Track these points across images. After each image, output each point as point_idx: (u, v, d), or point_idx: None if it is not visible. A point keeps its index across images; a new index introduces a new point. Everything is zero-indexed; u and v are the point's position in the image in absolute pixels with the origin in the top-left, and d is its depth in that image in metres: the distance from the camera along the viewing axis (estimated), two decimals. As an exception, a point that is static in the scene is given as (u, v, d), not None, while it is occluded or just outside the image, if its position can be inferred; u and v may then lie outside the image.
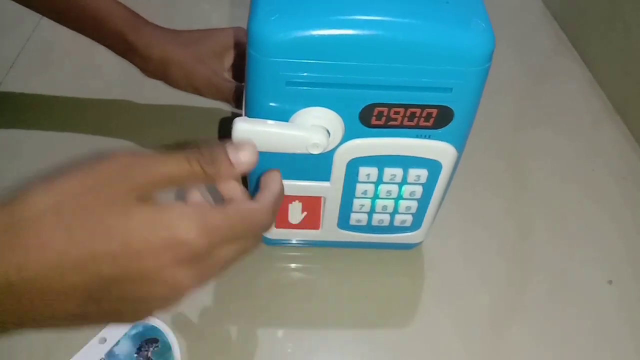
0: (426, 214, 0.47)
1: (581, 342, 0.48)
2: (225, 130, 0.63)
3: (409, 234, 0.49)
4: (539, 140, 0.65)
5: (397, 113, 0.38)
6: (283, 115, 0.38)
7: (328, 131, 0.37)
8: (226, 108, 0.64)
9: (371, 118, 0.38)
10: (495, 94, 0.66)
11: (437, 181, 0.44)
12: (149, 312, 0.33)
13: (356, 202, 0.45)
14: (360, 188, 0.44)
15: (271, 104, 0.37)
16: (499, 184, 0.60)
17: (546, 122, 0.68)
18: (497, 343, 0.48)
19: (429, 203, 0.46)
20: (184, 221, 0.30)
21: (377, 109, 0.37)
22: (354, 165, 0.42)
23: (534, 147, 0.65)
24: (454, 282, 0.52)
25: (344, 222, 0.48)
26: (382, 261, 0.52)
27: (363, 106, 0.37)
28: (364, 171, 0.42)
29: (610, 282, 0.52)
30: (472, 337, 0.48)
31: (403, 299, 0.51)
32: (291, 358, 0.46)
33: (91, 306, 0.30)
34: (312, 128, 0.37)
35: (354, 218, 0.47)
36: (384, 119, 0.38)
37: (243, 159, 0.33)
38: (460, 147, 0.41)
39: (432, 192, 0.45)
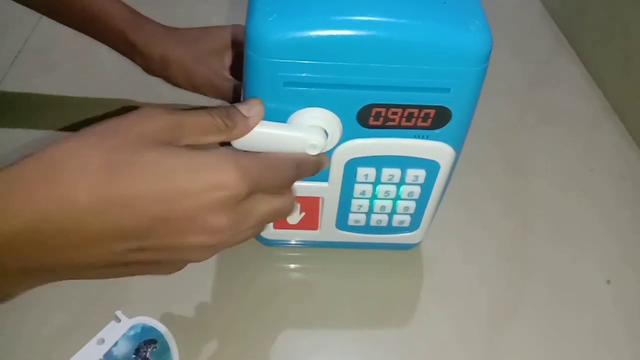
0: (424, 214, 0.47)
1: (580, 341, 0.48)
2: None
3: (408, 234, 0.49)
4: (537, 141, 0.65)
5: (394, 113, 0.38)
6: (281, 116, 0.38)
7: (326, 132, 0.37)
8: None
9: (369, 118, 0.38)
10: (493, 94, 0.66)
11: (435, 181, 0.44)
12: (184, 262, 0.34)
13: (354, 203, 0.45)
14: (358, 188, 0.44)
15: (269, 104, 0.37)
16: (498, 184, 0.60)
17: (545, 123, 0.68)
18: (496, 342, 0.48)
19: (427, 203, 0.46)
20: (224, 163, 0.31)
21: (374, 110, 0.38)
22: (352, 166, 0.42)
23: (533, 147, 0.65)
24: (453, 282, 0.52)
25: (342, 222, 0.48)
26: (381, 261, 0.52)
27: (361, 107, 0.37)
28: (362, 171, 0.42)
29: (608, 281, 0.52)
30: (471, 337, 0.48)
31: (402, 299, 0.51)
32: (290, 358, 0.46)
33: (133, 254, 0.31)
34: (310, 129, 0.37)
35: (352, 218, 0.47)
36: (381, 119, 0.38)
37: (253, 112, 0.35)
38: (458, 148, 0.42)
39: (430, 193, 0.45)
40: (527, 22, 0.83)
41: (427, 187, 0.44)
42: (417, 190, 0.44)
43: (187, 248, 0.32)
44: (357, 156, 0.41)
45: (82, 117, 0.63)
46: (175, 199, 0.30)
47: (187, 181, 0.30)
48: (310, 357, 0.47)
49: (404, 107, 0.38)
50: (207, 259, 0.34)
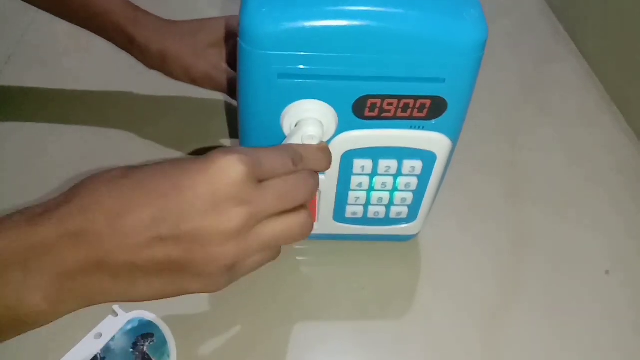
0: (422, 206, 0.47)
1: (579, 332, 0.48)
2: (222, 120, 0.63)
3: (405, 225, 0.49)
4: (536, 131, 0.65)
5: (390, 104, 0.38)
6: (275, 108, 0.37)
7: (321, 123, 0.37)
8: (228, 99, 0.65)
9: (364, 110, 0.38)
10: (491, 85, 0.66)
11: (432, 172, 0.44)
12: (212, 266, 0.33)
13: (351, 195, 0.45)
14: (355, 180, 0.44)
15: (263, 97, 0.37)
16: (496, 175, 0.60)
17: (543, 114, 0.67)
18: (494, 332, 0.48)
19: (424, 194, 0.46)
20: (223, 153, 0.32)
21: (370, 101, 0.37)
22: (348, 158, 0.42)
23: (531, 138, 0.64)
24: (451, 273, 0.52)
25: (339, 215, 0.47)
26: (379, 253, 0.52)
27: (356, 98, 0.37)
28: (358, 163, 0.42)
29: (607, 272, 0.52)
30: (469, 328, 0.48)
31: (400, 291, 0.50)
32: (288, 350, 0.46)
33: (156, 245, 0.31)
34: (305, 121, 0.37)
35: (350, 211, 0.47)
36: (377, 110, 0.38)
37: None
38: (454, 138, 0.41)
39: (427, 184, 0.45)
40: (525, 12, 0.83)
41: (424, 178, 0.44)
42: (414, 181, 0.44)
43: (206, 239, 0.31)
44: (353, 148, 0.41)
45: (78, 111, 0.63)
46: (181, 175, 0.31)
47: (192, 163, 0.32)
48: (308, 349, 0.47)
49: (399, 97, 0.37)
50: (233, 258, 0.33)
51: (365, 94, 0.37)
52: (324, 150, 0.38)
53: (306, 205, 0.36)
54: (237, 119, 0.42)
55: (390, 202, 0.46)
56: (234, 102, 0.63)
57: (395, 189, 0.45)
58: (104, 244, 0.31)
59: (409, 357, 0.46)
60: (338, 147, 0.41)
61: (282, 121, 0.38)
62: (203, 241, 0.32)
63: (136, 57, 0.56)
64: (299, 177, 0.35)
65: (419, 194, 0.46)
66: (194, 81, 0.55)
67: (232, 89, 0.54)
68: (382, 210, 0.47)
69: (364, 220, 0.48)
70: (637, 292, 0.51)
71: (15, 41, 0.71)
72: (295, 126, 0.38)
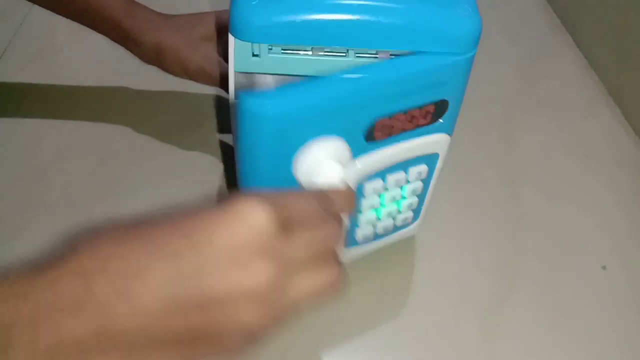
0: (424, 205, 0.46)
1: (575, 328, 0.48)
2: (220, 116, 0.62)
3: (409, 228, 0.48)
4: (531, 125, 0.64)
5: (398, 120, 0.36)
6: (286, 154, 0.34)
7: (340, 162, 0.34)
8: (221, 93, 0.63)
9: (375, 133, 0.36)
10: (488, 77, 0.66)
11: (434, 172, 0.43)
12: (234, 328, 0.28)
13: (362, 218, 0.43)
14: (366, 204, 0.42)
15: (271, 151, 0.34)
16: (491, 169, 0.59)
17: (539, 107, 0.66)
18: (492, 325, 0.48)
19: (426, 194, 0.45)
20: (244, 199, 0.28)
21: (380, 123, 0.35)
22: (360, 183, 0.40)
23: (527, 132, 0.63)
24: (448, 266, 0.51)
25: (351, 240, 0.45)
26: (375, 250, 0.49)
27: (369, 124, 0.35)
28: (369, 186, 0.40)
29: (604, 267, 0.52)
30: (467, 320, 0.48)
31: (397, 287, 0.50)
32: (285, 349, 0.44)
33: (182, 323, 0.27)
34: (324, 165, 0.34)
35: (360, 234, 0.45)
36: (386, 130, 0.36)
37: None
38: (452, 132, 0.41)
39: (430, 183, 0.44)
40: (521, 4, 0.81)
41: (427, 180, 0.43)
42: (420, 186, 0.43)
43: (229, 301, 0.27)
44: (365, 173, 0.39)
45: (74, 107, 0.63)
46: (196, 228, 0.28)
47: (206, 213, 0.28)
48: (304, 346, 0.45)
49: (407, 111, 0.36)
50: (261, 323, 0.28)
51: (377, 116, 0.35)
52: (348, 191, 0.35)
53: (336, 257, 0.32)
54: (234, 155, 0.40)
55: (398, 212, 0.45)
56: (227, 96, 0.61)
57: (403, 197, 0.43)
58: (110, 312, 0.26)
59: (408, 351, 0.46)
60: (353, 178, 0.38)
61: (295, 168, 0.35)
62: (226, 304, 0.27)
63: (131, 51, 0.55)
64: (329, 223, 0.31)
65: (422, 195, 0.45)
66: (188, 74, 0.54)
67: (225, 82, 0.51)
68: (390, 223, 0.45)
69: (374, 237, 0.46)
70: (633, 286, 0.51)
71: (9, 36, 0.70)
72: (312, 173, 0.34)
